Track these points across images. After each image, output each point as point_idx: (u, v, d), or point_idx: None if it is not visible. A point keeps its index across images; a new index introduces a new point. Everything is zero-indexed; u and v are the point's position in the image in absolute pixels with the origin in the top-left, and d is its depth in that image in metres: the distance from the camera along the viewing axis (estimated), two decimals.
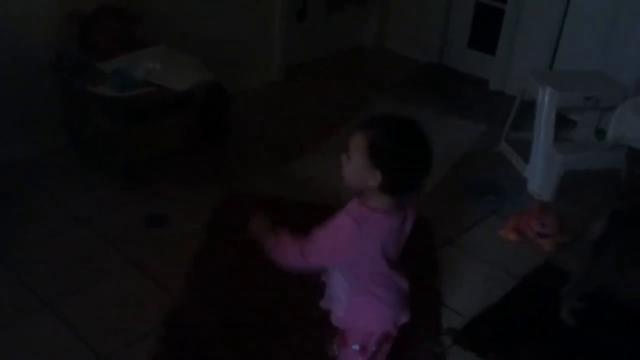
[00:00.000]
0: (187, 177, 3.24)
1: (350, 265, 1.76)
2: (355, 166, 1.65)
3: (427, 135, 1.67)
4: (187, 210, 2.98)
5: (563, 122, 3.69)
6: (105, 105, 2.91)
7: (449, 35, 4.82)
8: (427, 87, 4.58)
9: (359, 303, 1.82)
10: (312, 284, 2.52)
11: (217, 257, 2.71)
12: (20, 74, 3.08)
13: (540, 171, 3.35)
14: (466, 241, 2.95)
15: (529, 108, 3.59)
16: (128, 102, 2.89)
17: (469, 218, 3.11)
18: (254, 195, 3.13)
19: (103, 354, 2.22)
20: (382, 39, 5.10)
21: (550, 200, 3.27)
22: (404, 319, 1.92)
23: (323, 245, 1.73)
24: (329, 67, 4.72)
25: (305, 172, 3.35)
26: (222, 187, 3.15)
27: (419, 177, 1.68)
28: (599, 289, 2.54)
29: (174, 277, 2.57)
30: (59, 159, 3.27)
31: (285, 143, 3.64)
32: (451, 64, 4.87)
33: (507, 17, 4.37)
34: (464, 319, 2.49)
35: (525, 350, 2.37)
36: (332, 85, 4.42)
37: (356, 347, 1.89)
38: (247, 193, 3.14)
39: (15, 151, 3.17)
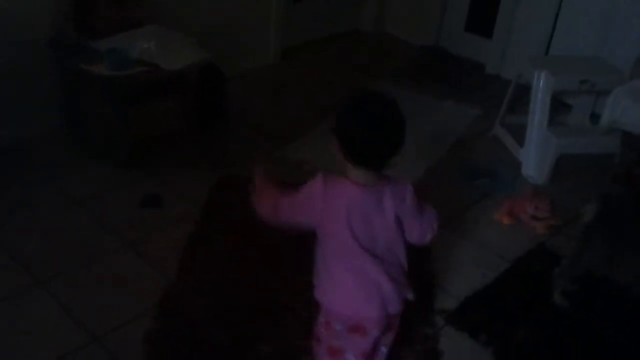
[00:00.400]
0: (183, 159, 3.24)
1: (320, 235, 1.79)
2: (334, 146, 1.71)
3: (394, 112, 1.71)
4: (182, 192, 2.99)
5: (558, 106, 3.70)
6: (100, 84, 2.91)
7: (446, 18, 4.81)
8: (424, 71, 4.57)
9: (323, 277, 1.85)
10: (306, 267, 2.55)
11: (211, 239, 2.72)
12: (15, 55, 3.07)
13: (534, 155, 3.35)
14: (460, 224, 2.96)
15: (524, 92, 3.59)
16: (123, 81, 2.88)
17: (463, 201, 3.13)
18: (248, 177, 3.12)
19: (97, 333, 2.23)
20: (379, 22, 5.08)
21: (544, 184, 3.29)
22: (366, 311, 1.83)
23: (291, 201, 1.79)
24: (325, 50, 4.70)
25: (299, 154, 3.35)
26: (216, 170, 3.15)
27: (372, 148, 1.68)
28: (590, 271, 2.56)
29: (168, 259, 2.57)
30: (54, 140, 3.26)
31: (281, 126, 3.63)
32: (448, 47, 4.86)
33: (504, 1, 4.36)
34: (456, 301, 2.51)
35: (517, 332, 2.39)
36: (329, 68, 4.41)
37: (322, 319, 1.91)
38: (242, 175, 3.14)
39: (10, 133, 3.16)
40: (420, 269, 2.65)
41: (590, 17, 3.90)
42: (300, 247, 2.62)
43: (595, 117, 3.62)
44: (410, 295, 1.92)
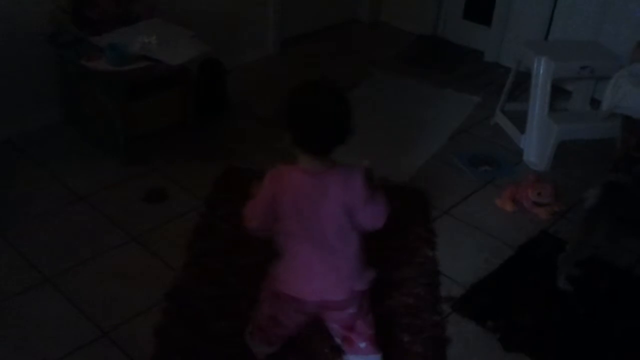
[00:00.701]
0: (185, 152, 3.24)
1: (276, 227, 1.88)
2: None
3: (338, 101, 1.77)
4: (185, 185, 3.00)
5: (558, 92, 3.70)
6: (101, 79, 2.91)
7: (444, 6, 4.80)
8: (422, 59, 4.57)
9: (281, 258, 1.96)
10: None
11: (216, 231, 2.73)
12: (15, 50, 3.07)
13: (535, 141, 3.36)
14: (463, 211, 2.98)
15: (524, 79, 3.60)
16: (124, 76, 2.89)
17: (465, 189, 3.14)
18: (250, 169, 3.14)
19: (105, 327, 2.24)
20: (376, 11, 5.08)
21: (545, 170, 3.30)
22: (304, 294, 1.93)
23: (254, 206, 1.91)
24: (324, 41, 4.70)
25: None
26: (219, 162, 3.16)
27: (316, 134, 1.77)
28: (594, 256, 2.58)
29: (174, 252, 2.59)
30: (57, 135, 3.27)
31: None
32: (446, 35, 4.86)
33: None
34: (462, 288, 2.52)
35: (522, 318, 2.40)
36: (327, 59, 4.41)
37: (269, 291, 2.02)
38: (244, 168, 3.15)
39: (13, 128, 3.17)
40: (424, 256, 2.67)
41: (589, 2, 3.89)
42: None
43: (595, 103, 3.63)
44: (371, 276, 2.02)
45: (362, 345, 2.06)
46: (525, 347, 2.29)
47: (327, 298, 1.94)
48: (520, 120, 3.48)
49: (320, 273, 1.91)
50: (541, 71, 3.31)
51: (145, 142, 3.18)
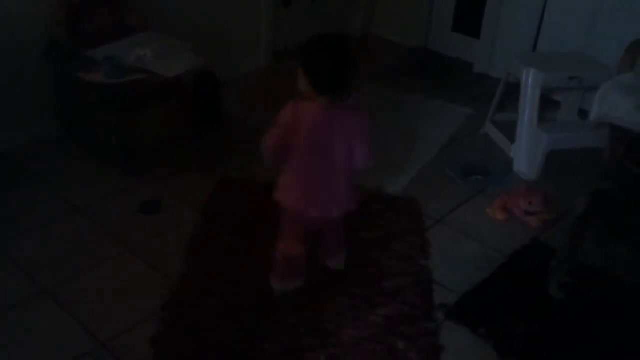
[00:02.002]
0: (181, 163, 3.27)
1: (290, 147, 2.17)
2: (299, 77, 2.13)
3: (349, 48, 2.10)
4: (181, 196, 3.02)
5: (547, 103, 3.76)
6: (97, 92, 2.94)
7: (434, 19, 4.87)
8: (413, 72, 4.62)
9: (284, 177, 2.28)
10: (310, 266, 2.59)
11: (212, 241, 2.75)
12: (11, 63, 3.09)
13: (525, 151, 3.41)
14: (456, 220, 3.01)
15: (513, 90, 3.65)
16: (120, 89, 2.91)
17: (457, 198, 3.17)
18: (246, 180, 3.17)
19: (103, 339, 2.25)
20: (368, 24, 5.13)
21: (536, 179, 3.34)
22: (310, 209, 2.25)
23: (278, 121, 2.18)
24: None
25: None
26: (215, 173, 3.18)
27: (334, 77, 2.08)
28: (585, 263, 2.62)
29: (170, 262, 2.61)
30: (53, 147, 3.29)
31: None
32: (436, 48, 4.92)
33: (490, 0, 4.41)
34: (455, 295, 2.55)
35: (516, 325, 2.43)
36: None
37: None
38: (239, 178, 3.18)
39: (9, 140, 3.19)
40: (418, 265, 2.70)
41: (576, 14, 3.96)
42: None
43: (583, 113, 3.69)
44: (358, 196, 2.35)
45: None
46: (518, 354, 2.32)
47: (327, 215, 2.29)
48: (510, 130, 3.53)
49: (325, 193, 2.25)
50: (530, 82, 3.36)
51: (142, 153, 3.20)
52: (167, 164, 3.24)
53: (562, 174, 3.38)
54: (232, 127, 3.62)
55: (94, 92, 2.96)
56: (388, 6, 5.02)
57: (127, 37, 3.18)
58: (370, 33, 5.15)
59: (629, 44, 3.21)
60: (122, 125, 3.02)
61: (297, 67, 2.13)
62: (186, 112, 3.30)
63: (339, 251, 2.62)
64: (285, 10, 4.51)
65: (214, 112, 3.51)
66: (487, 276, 2.67)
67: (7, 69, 3.08)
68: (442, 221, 3.00)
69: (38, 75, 3.20)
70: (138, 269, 2.59)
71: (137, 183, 3.09)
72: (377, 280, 2.60)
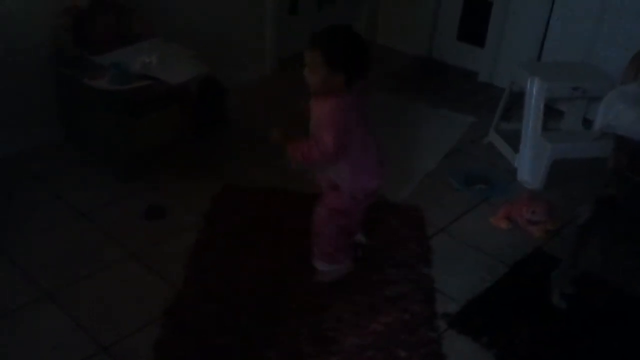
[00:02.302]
0: (185, 169, 3.28)
1: (349, 140, 2.28)
2: (321, 77, 2.22)
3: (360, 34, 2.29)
4: (184, 203, 3.03)
5: (551, 112, 3.76)
6: (103, 98, 2.95)
7: (439, 28, 4.88)
8: (417, 80, 4.63)
9: (353, 172, 2.38)
10: (310, 273, 2.60)
11: (215, 247, 2.76)
12: (17, 68, 3.11)
13: (529, 160, 3.41)
14: (458, 229, 3.01)
15: (517, 99, 3.66)
16: (126, 95, 2.93)
17: (460, 207, 3.17)
18: (249, 186, 3.18)
19: (105, 343, 2.26)
20: (372, 32, 5.14)
21: (539, 188, 3.34)
22: (374, 185, 2.44)
23: (333, 125, 2.22)
24: None
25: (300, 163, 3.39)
26: (218, 179, 3.19)
27: (367, 70, 2.26)
28: (587, 273, 2.61)
29: (173, 268, 2.61)
30: (57, 152, 3.31)
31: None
32: (441, 56, 4.93)
33: (495, 10, 4.43)
34: (458, 304, 2.55)
35: (518, 334, 2.43)
36: None
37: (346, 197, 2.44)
38: (243, 185, 3.19)
39: (13, 145, 3.21)
40: (420, 273, 2.70)
41: (580, 24, 3.97)
42: (304, 254, 2.68)
43: (587, 123, 3.69)
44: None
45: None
46: None
47: (376, 185, 2.46)
48: (514, 140, 3.53)
49: (376, 165, 2.43)
50: (534, 91, 3.36)
51: (145, 159, 3.21)
52: (170, 170, 3.25)
53: (566, 183, 3.38)
54: (236, 133, 3.63)
55: (98, 98, 2.97)
56: (392, 15, 5.03)
57: (133, 44, 3.20)
58: (374, 41, 5.16)
59: (634, 54, 3.21)
60: (126, 131, 3.03)
61: (314, 68, 2.24)
62: (190, 118, 3.31)
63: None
64: (290, 18, 4.53)
65: (218, 118, 3.52)
66: (490, 285, 2.67)
67: (12, 73, 3.10)
68: (445, 230, 3.00)
69: (43, 80, 3.22)
70: (140, 273, 2.60)
71: (141, 188, 3.10)
72: (378, 288, 2.60)
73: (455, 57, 4.83)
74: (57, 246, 2.70)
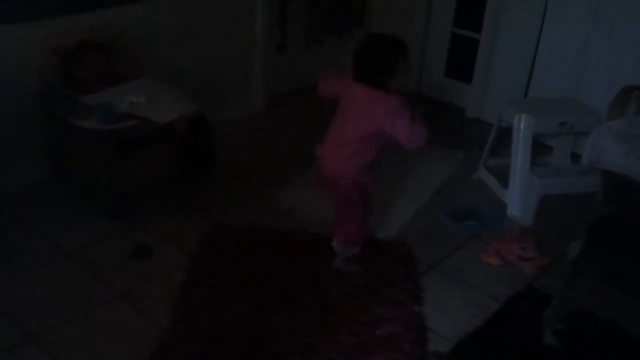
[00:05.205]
0: (172, 208, 3.25)
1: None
2: (395, 77, 2.56)
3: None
4: (172, 242, 3.00)
5: (539, 147, 3.78)
6: (90, 138, 2.94)
7: (426, 65, 4.92)
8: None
9: (374, 166, 2.67)
10: (299, 313, 2.57)
11: (202, 288, 2.72)
12: (4, 107, 3.10)
13: (518, 196, 3.41)
14: (449, 266, 3.00)
15: (505, 135, 3.67)
16: (113, 135, 2.92)
17: (450, 243, 3.16)
18: (237, 225, 3.16)
19: None
20: None
21: (529, 224, 3.34)
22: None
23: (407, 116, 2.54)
24: (309, 98, 4.76)
25: (288, 202, 3.38)
26: (206, 218, 3.17)
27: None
28: (579, 309, 2.59)
29: (160, 309, 2.57)
30: (43, 191, 3.28)
31: (268, 173, 3.67)
32: (428, 92, 4.96)
33: (482, 47, 4.48)
34: (449, 342, 2.52)
35: None
36: (312, 116, 4.46)
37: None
38: (231, 224, 3.17)
39: None
40: (411, 312, 2.67)
41: (566, 61, 4.02)
42: (292, 294, 2.65)
43: (575, 157, 3.70)
44: None
45: None
46: None
47: None
48: (503, 175, 3.53)
49: None
50: (522, 127, 3.38)
51: (132, 198, 3.19)
52: (158, 209, 3.23)
53: (555, 219, 3.38)
54: (224, 171, 3.62)
55: (86, 138, 2.96)
56: None
57: (121, 84, 3.20)
58: None
59: (619, 90, 3.25)
60: (113, 170, 3.02)
61: (387, 74, 2.52)
62: (178, 156, 3.31)
63: None
64: (279, 56, 4.56)
65: (205, 156, 3.51)
66: (482, 323, 2.64)
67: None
68: (436, 267, 2.98)
69: (30, 120, 3.20)
70: (127, 316, 2.55)
71: (127, 228, 3.07)
72: (368, 327, 2.56)
73: (443, 93, 4.86)
74: (42, 286, 2.66)
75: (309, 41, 4.71)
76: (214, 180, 3.55)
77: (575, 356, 2.50)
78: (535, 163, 3.50)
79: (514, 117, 3.42)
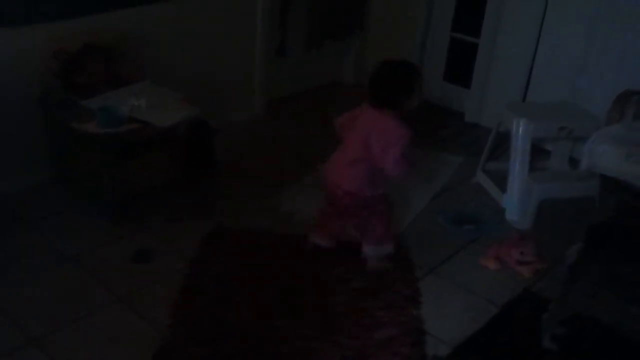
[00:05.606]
0: (173, 212, 3.27)
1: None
2: (409, 100, 2.82)
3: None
4: (173, 245, 3.01)
5: (538, 152, 3.80)
6: (92, 141, 2.95)
7: (425, 69, 4.93)
8: (405, 121, 4.65)
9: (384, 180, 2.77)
10: (300, 316, 2.58)
11: (203, 292, 2.73)
12: (6, 110, 3.11)
13: (517, 200, 3.43)
14: (448, 270, 3.01)
15: (504, 139, 3.69)
16: (115, 139, 2.94)
17: (449, 248, 3.17)
18: (238, 229, 3.17)
19: None
20: (359, 74, 5.20)
21: (528, 228, 3.35)
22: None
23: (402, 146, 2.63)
24: (309, 102, 4.80)
25: (289, 205, 3.40)
26: (207, 222, 3.18)
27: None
28: (578, 313, 2.60)
29: (161, 312, 2.59)
30: (45, 194, 3.29)
31: (269, 177, 3.69)
32: (428, 97, 4.97)
33: (480, 51, 4.50)
34: (448, 347, 2.54)
35: None
36: (311, 120, 4.49)
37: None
38: (232, 227, 3.18)
39: (1, 187, 3.18)
40: (410, 315, 2.69)
41: (565, 65, 4.03)
42: (293, 298, 2.66)
43: (573, 162, 3.72)
44: None
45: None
46: None
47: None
48: (501, 180, 3.55)
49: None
50: (520, 132, 3.40)
51: (134, 201, 3.21)
52: (159, 212, 3.24)
53: (554, 223, 3.39)
54: (225, 175, 3.63)
55: (87, 142, 2.98)
56: (380, 56, 5.06)
57: (122, 87, 3.21)
58: (362, 83, 5.20)
59: (617, 95, 3.27)
60: (115, 174, 3.03)
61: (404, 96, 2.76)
62: (179, 160, 3.32)
63: None
64: (278, 60, 4.58)
65: (206, 160, 3.53)
66: (480, 327, 2.65)
67: (1, 116, 3.10)
68: (434, 270, 3.00)
69: (31, 123, 3.22)
70: (128, 319, 2.57)
71: (129, 231, 3.09)
72: (368, 331, 2.58)
73: (442, 98, 4.88)
74: (44, 290, 2.67)
75: (309, 45, 4.72)
76: (215, 183, 3.56)
77: None
78: (533, 168, 3.52)
79: (512, 122, 3.44)
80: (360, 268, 2.92)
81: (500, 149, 3.86)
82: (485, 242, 3.19)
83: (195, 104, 3.26)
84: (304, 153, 3.97)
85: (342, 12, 4.80)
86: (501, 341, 2.58)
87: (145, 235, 3.07)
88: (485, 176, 3.74)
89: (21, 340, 2.41)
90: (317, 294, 2.76)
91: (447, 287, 2.90)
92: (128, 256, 2.90)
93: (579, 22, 3.92)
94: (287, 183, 3.61)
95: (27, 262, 2.82)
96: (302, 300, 2.70)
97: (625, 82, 3.43)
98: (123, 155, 3.02)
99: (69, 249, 2.92)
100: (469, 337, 2.59)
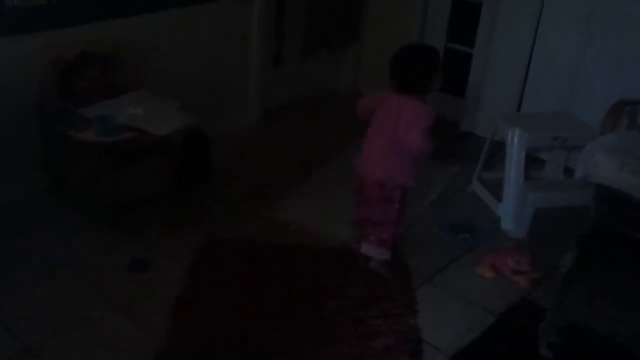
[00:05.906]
0: (169, 220, 3.26)
1: None
2: (433, 80, 2.90)
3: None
4: (169, 254, 3.01)
5: (533, 161, 3.81)
6: (89, 150, 2.95)
7: None
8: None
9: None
10: (297, 326, 2.58)
11: (199, 300, 2.73)
12: (2, 118, 3.10)
13: (512, 209, 3.44)
14: (444, 279, 3.02)
15: (499, 148, 3.71)
16: (112, 147, 2.94)
17: (445, 257, 3.18)
18: (233, 238, 3.17)
19: None
20: (355, 84, 5.22)
21: (523, 237, 3.36)
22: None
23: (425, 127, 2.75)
24: (305, 111, 4.80)
25: (285, 214, 3.40)
26: (203, 231, 3.18)
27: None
28: (574, 322, 2.61)
29: (157, 322, 2.58)
30: (41, 202, 3.28)
31: (265, 186, 3.69)
32: None
33: (475, 61, 4.52)
34: (444, 356, 2.54)
35: None
36: (308, 129, 4.50)
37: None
38: (229, 236, 3.18)
39: None
40: (406, 324, 2.69)
41: (559, 75, 4.06)
42: (290, 307, 2.66)
43: (568, 171, 3.74)
44: None
45: None
46: None
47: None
48: (497, 188, 3.56)
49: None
50: (515, 142, 3.42)
51: (130, 210, 3.20)
52: (155, 221, 3.24)
53: (549, 232, 3.40)
54: (221, 184, 3.64)
55: (84, 149, 2.98)
56: (375, 65, 5.10)
57: (119, 96, 3.22)
58: (358, 92, 5.22)
59: (611, 105, 3.29)
60: (111, 182, 3.04)
61: (425, 81, 2.84)
62: (175, 169, 3.33)
63: None
64: (274, 69, 4.60)
65: (203, 168, 3.53)
66: (477, 336, 2.66)
67: None
68: (431, 280, 3.00)
69: (27, 131, 3.21)
70: (124, 328, 2.56)
71: (125, 240, 3.08)
72: (365, 340, 2.58)
73: (437, 107, 4.87)
74: (40, 299, 2.66)
75: (305, 55, 4.74)
76: (211, 192, 3.56)
77: None
78: (528, 177, 3.54)
79: (507, 132, 3.46)
80: (357, 276, 2.92)
81: (495, 158, 3.87)
82: (481, 251, 3.19)
83: (191, 112, 3.27)
84: (300, 162, 3.98)
85: (337, 22, 4.82)
86: (498, 350, 2.59)
87: (142, 244, 3.06)
88: (480, 185, 3.75)
89: (17, 350, 2.40)
90: (314, 303, 2.76)
91: (444, 296, 2.90)
92: (124, 265, 2.90)
93: (573, 32, 3.95)
94: (284, 192, 3.61)
95: (22, 271, 2.81)
96: (299, 310, 2.70)
97: (619, 93, 3.46)
98: (120, 163, 3.02)
99: (65, 257, 2.91)
100: (466, 346, 2.59)
